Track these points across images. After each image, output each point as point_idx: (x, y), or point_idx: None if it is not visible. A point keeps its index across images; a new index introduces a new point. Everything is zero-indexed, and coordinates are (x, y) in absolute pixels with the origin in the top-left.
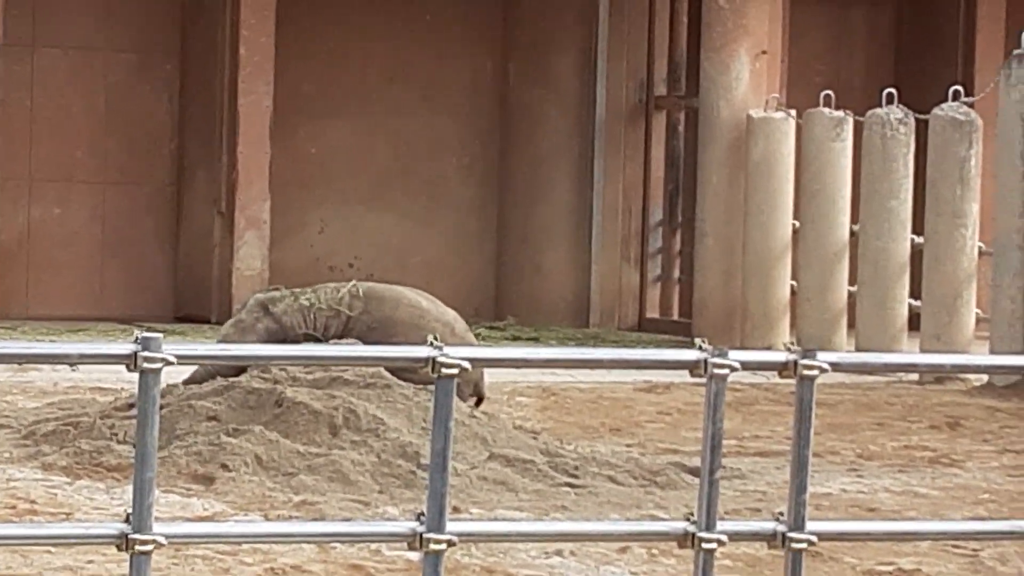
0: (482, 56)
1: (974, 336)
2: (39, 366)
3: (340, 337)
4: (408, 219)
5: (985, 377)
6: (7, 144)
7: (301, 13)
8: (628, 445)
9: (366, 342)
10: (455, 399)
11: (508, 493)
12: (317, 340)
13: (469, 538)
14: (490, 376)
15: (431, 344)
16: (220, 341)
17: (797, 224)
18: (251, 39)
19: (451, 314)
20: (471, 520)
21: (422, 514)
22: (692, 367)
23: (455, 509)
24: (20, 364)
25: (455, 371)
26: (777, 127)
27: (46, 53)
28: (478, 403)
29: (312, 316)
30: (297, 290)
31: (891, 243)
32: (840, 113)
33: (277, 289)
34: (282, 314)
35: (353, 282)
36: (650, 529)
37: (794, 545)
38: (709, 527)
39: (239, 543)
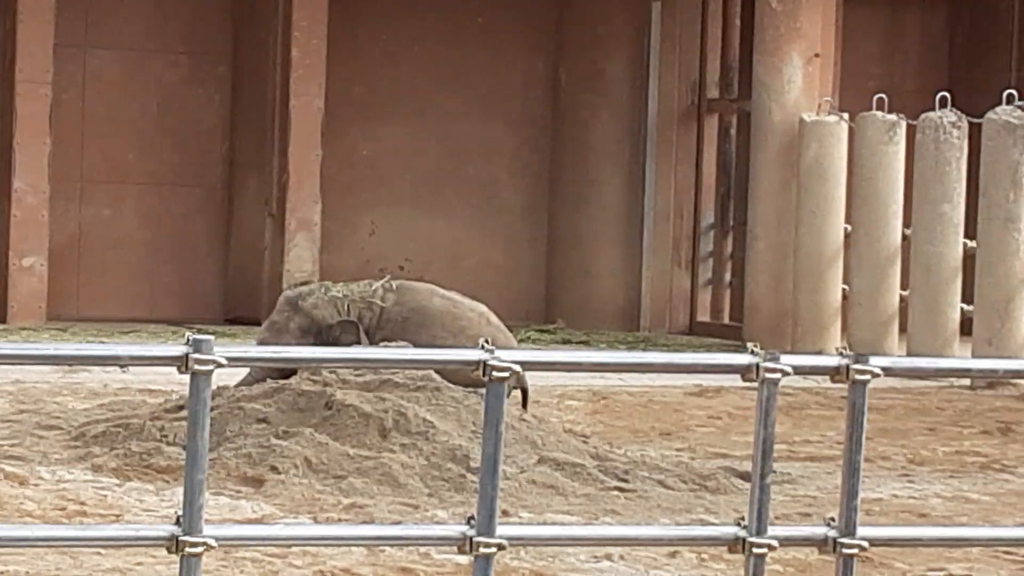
0: (534, 59)
1: None
2: (89, 367)
3: (375, 328)
4: (459, 222)
5: None
6: (59, 145)
7: (353, 15)
8: (678, 449)
9: (401, 334)
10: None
11: (558, 497)
12: (353, 326)
13: (519, 542)
14: (540, 379)
15: (482, 347)
16: (258, 344)
17: (849, 228)
18: (303, 41)
19: (483, 307)
20: (521, 524)
21: (472, 518)
22: (744, 371)
23: (504, 512)
24: (71, 365)
25: (506, 375)
26: (829, 130)
27: (98, 55)
28: (524, 398)
29: (345, 307)
30: (328, 283)
31: (943, 247)
32: (893, 117)
33: (308, 282)
34: (312, 308)
35: (387, 277)
36: (701, 534)
37: (845, 551)
38: (760, 532)
39: (289, 546)
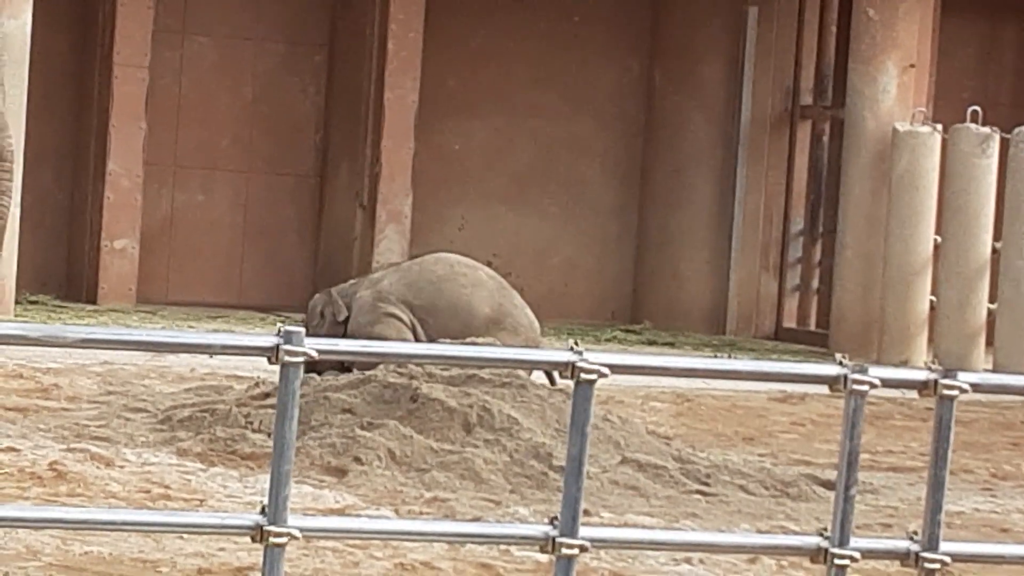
0: (628, 60)
1: None
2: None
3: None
4: (548, 220)
5: None
6: (154, 130)
7: (450, 10)
8: (760, 455)
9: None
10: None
11: (639, 498)
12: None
13: (601, 544)
14: (625, 381)
15: (571, 349)
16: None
17: (939, 239)
18: (399, 34)
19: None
20: (604, 526)
21: (555, 518)
22: (832, 382)
23: (586, 512)
24: (163, 352)
25: (594, 377)
26: (922, 141)
27: (196, 41)
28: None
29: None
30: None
31: None
32: (987, 129)
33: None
34: (339, 294)
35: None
36: (783, 543)
37: (927, 565)
38: (843, 543)
39: (371, 538)
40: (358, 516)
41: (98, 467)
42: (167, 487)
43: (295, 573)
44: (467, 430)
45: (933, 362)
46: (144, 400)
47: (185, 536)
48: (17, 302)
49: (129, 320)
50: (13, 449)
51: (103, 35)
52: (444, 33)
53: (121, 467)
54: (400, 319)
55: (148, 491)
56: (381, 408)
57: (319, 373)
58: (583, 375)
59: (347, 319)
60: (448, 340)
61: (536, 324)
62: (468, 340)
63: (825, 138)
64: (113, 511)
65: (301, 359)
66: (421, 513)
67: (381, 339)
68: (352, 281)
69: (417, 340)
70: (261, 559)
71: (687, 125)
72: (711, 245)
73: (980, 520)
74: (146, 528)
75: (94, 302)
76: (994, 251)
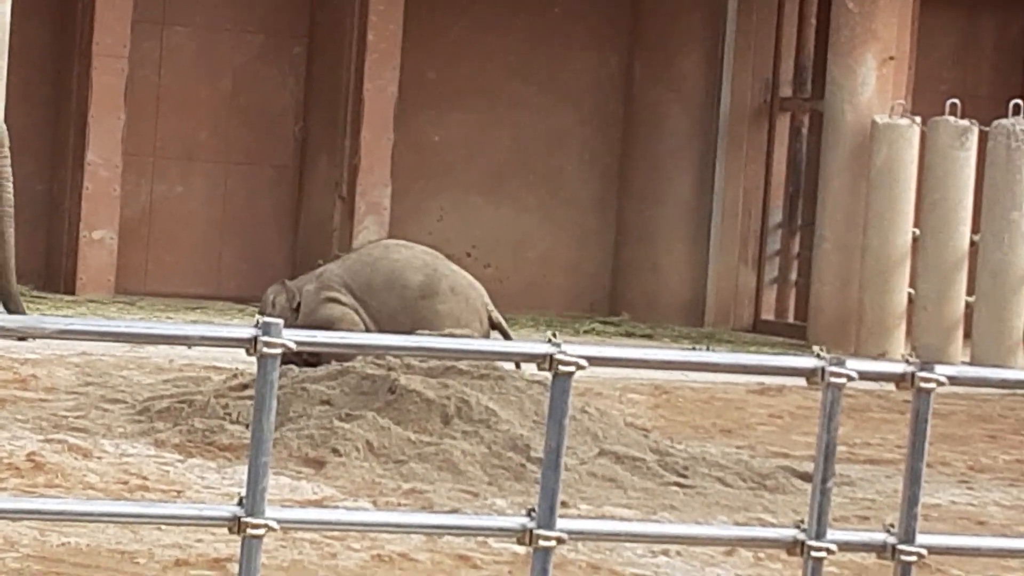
0: (608, 52)
1: None
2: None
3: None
4: (527, 212)
5: None
6: (133, 121)
7: (429, 2)
8: (738, 447)
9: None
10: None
11: (617, 490)
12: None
13: (578, 536)
14: (603, 373)
15: (549, 341)
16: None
17: (917, 232)
18: (379, 25)
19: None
20: (582, 518)
21: (532, 510)
22: (809, 375)
23: (563, 504)
24: (141, 343)
25: (572, 369)
26: (901, 134)
27: (175, 32)
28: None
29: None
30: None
31: (1011, 255)
32: (965, 122)
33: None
34: (293, 286)
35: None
36: (760, 535)
37: (904, 558)
38: (819, 536)
39: (349, 530)
40: (336, 508)
41: (76, 458)
42: (145, 478)
43: (273, 564)
44: (445, 422)
45: (911, 355)
46: (122, 391)
47: (163, 527)
48: None
49: (107, 311)
50: None
51: (82, 25)
52: (424, 25)
53: (99, 458)
54: (341, 302)
55: (126, 482)
56: (359, 399)
57: (298, 366)
58: (561, 367)
59: (299, 305)
60: (426, 331)
61: (478, 285)
62: (446, 332)
63: (804, 130)
64: (91, 502)
65: (279, 351)
66: (399, 504)
67: (328, 321)
68: (301, 276)
69: (362, 321)
70: (239, 550)
71: (666, 117)
72: (689, 237)
73: (957, 513)
74: (124, 519)
75: (72, 293)
76: (972, 244)
